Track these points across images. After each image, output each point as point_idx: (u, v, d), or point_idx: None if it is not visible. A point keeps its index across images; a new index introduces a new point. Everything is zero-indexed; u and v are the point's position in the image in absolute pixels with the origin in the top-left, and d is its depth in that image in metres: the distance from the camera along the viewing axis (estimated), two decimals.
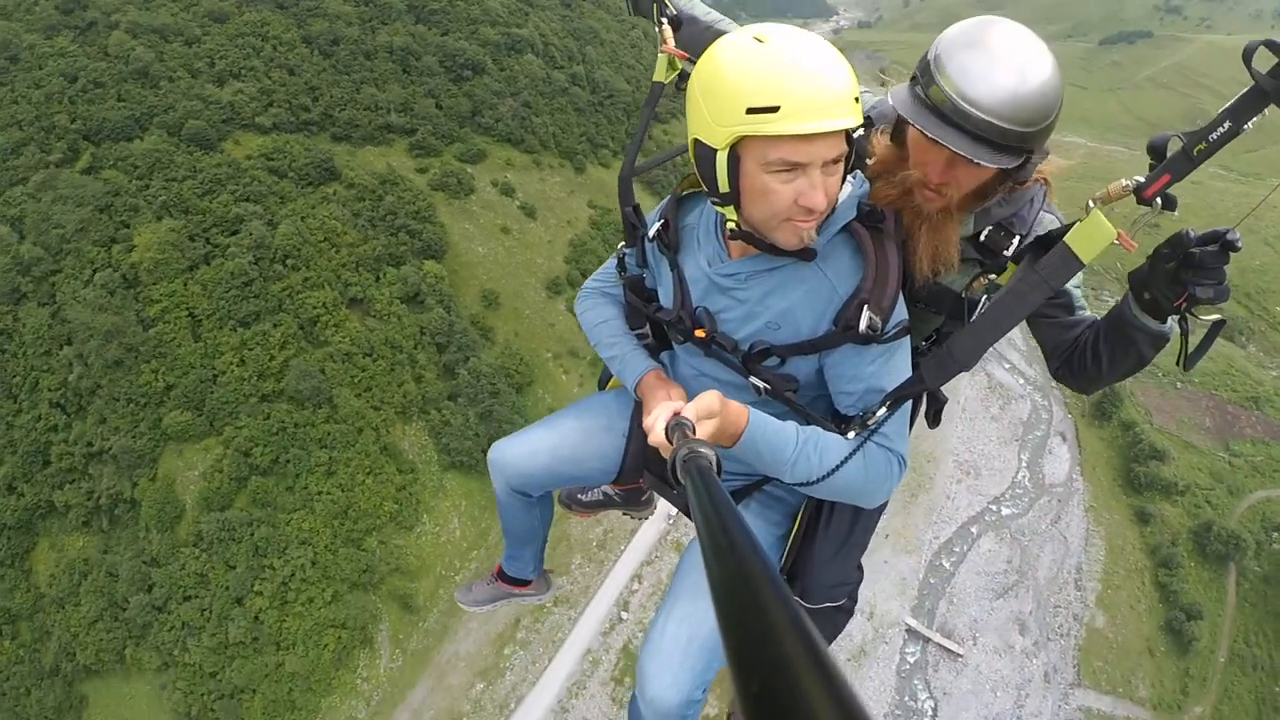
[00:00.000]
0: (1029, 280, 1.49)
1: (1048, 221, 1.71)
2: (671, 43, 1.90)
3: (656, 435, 1.27)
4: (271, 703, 32.86)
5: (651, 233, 1.80)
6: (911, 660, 33.88)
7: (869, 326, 1.50)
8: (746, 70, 1.31)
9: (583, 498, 2.48)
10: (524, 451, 2.10)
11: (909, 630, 34.41)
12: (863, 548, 2.03)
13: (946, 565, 36.46)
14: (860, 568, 2.13)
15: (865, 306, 1.50)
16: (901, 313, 1.58)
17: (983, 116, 1.43)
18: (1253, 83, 1.22)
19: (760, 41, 1.33)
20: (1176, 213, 1.40)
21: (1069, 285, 1.70)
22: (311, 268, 34.69)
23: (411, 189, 39.63)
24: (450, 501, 34.08)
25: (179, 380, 33.57)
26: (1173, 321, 1.53)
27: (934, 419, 1.89)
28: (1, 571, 34.50)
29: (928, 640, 34.06)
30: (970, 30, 1.48)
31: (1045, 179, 1.67)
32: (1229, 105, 1.26)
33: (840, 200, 1.50)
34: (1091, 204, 1.41)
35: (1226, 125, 1.26)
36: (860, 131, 1.63)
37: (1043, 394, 45.57)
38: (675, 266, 1.74)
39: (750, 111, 1.31)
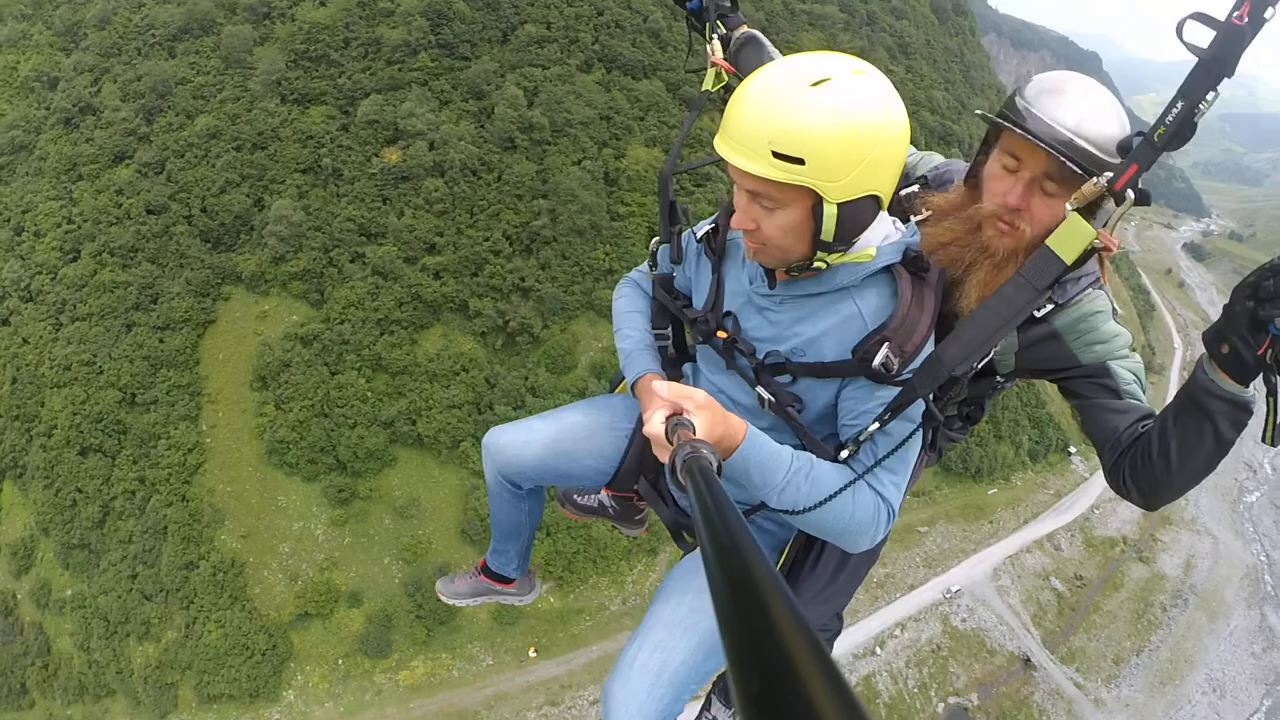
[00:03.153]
0: (1014, 283, 1.60)
1: (1094, 297, 1.82)
2: (720, 55, 2.18)
3: (654, 429, 1.36)
4: (556, 553, 41.12)
5: (700, 234, 1.95)
6: None
7: (883, 364, 1.60)
8: (739, 88, 1.52)
9: (578, 499, 2.62)
10: (519, 440, 2.22)
11: None
12: (846, 596, 2.21)
13: None
14: (840, 619, 2.30)
15: (886, 344, 1.61)
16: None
17: (1059, 129, 1.64)
18: (1196, 59, 1.36)
19: (771, 68, 1.51)
20: (1151, 205, 1.57)
21: (1116, 365, 1.79)
22: None
23: None
24: None
25: (624, 269, 45.12)
26: (1253, 390, 1.51)
27: (934, 448, 1.93)
28: (395, 330, 44.08)
29: None
30: (1047, 79, 1.76)
31: (1102, 261, 1.73)
32: (1181, 86, 1.42)
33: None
34: (1069, 207, 1.55)
35: (1180, 106, 1.41)
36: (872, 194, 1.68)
37: None
38: (717, 271, 1.90)
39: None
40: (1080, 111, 1.67)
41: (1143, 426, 1.73)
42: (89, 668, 40.80)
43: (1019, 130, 1.68)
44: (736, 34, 2.24)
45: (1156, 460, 1.64)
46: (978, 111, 1.90)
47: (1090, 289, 1.82)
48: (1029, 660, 46.88)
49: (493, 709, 39.14)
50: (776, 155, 1.42)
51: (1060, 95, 1.69)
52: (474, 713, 39.10)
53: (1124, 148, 1.56)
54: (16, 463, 44.04)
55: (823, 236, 1.54)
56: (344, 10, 53.56)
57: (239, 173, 48.14)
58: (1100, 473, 1.88)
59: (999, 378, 2.02)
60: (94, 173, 48.92)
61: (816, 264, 1.64)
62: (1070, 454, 61.90)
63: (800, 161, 1.41)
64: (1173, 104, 1.42)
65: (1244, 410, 1.55)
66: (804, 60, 1.47)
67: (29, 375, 44.81)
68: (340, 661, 40.16)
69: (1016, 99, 1.75)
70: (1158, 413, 1.72)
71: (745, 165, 1.45)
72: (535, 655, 40.86)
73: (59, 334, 45.25)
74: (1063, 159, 1.64)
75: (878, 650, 44.86)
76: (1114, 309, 1.87)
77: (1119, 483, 1.75)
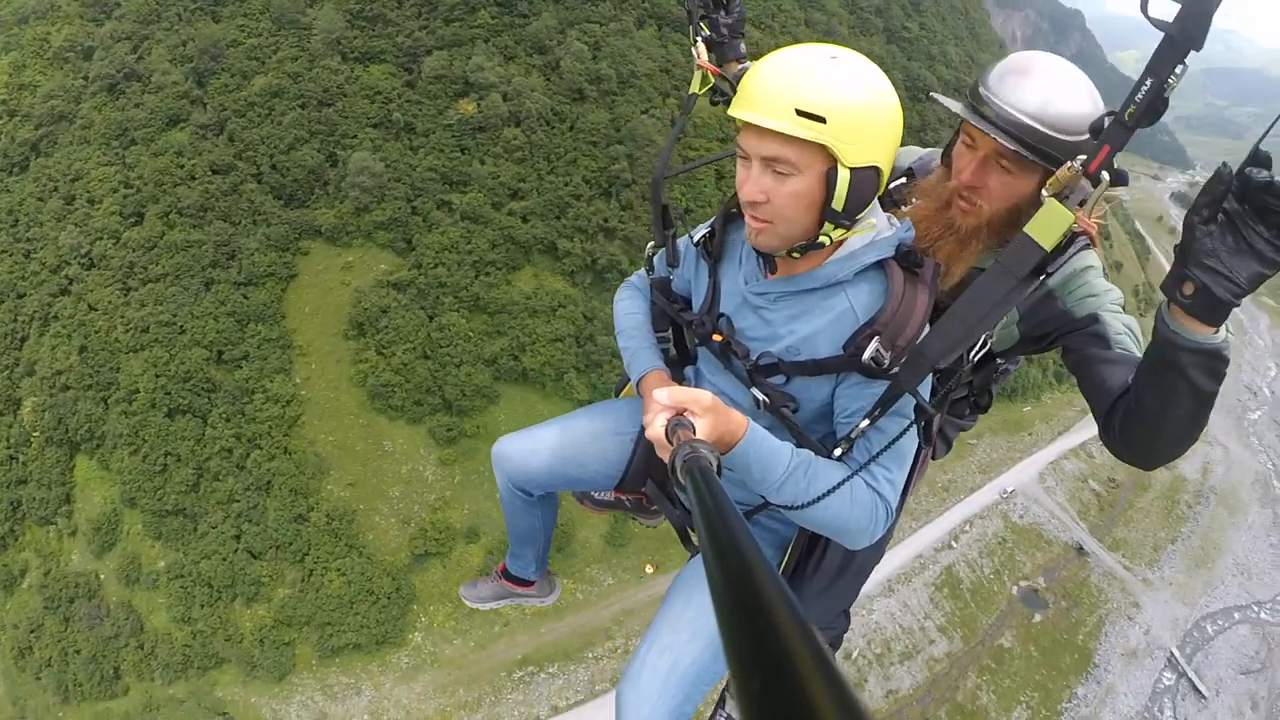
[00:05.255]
0: (992, 271, 1.62)
1: (1083, 255, 1.88)
2: (704, 58, 2.23)
3: (654, 432, 1.44)
4: None
5: (697, 238, 2.06)
6: (1167, 683, 47.74)
7: (873, 358, 1.66)
8: (755, 64, 1.66)
9: (596, 495, 2.78)
10: (527, 448, 2.37)
11: (1170, 656, 48.61)
12: (852, 594, 2.31)
13: (1209, 630, 51.42)
14: (847, 615, 2.42)
15: (876, 338, 1.67)
16: None
17: (1012, 113, 1.76)
18: (1163, 34, 1.36)
19: (789, 48, 1.63)
20: (1127, 186, 1.58)
21: (1107, 314, 1.87)
22: None
23: None
24: None
25: (698, 209, 48.39)
26: (1226, 332, 1.47)
27: (927, 437, 1.94)
28: (490, 270, 46.18)
29: (1182, 675, 47.95)
30: (1015, 59, 1.85)
31: (1090, 234, 1.71)
32: (1148, 63, 1.42)
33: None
34: (1045, 193, 1.57)
35: (1149, 83, 1.40)
36: (894, 175, 2.00)
37: None
38: (713, 274, 1.99)
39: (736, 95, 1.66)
40: (1046, 91, 1.78)
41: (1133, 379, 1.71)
42: (193, 639, 40.63)
43: (967, 118, 1.85)
44: (738, 68, 2.29)
45: (1139, 420, 1.65)
46: (933, 94, 2.06)
47: (1081, 250, 1.86)
48: (1081, 548, 54.08)
49: (621, 624, 41.15)
50: (800, 114, 1.53)
51: (1025, 75, 1.81)
52: (604, 629, 41.03)
53: (1095, 129, 1.56)
54: (93, 434, 43.63)
55: (834, 204, 1.62)
56: None
57: (307, 129, 49.40)
58: None
59: (999, 359, 2.13)
60: (148, 136, 49.33)
61: (821, 239, 1.69)
62: None
63: (822, 120, 1.53)
64: (1141, 81, 1.42)
65: (1218, 359, 1.49)
66: (815, 45, 1.63)
67: (100, 342, 44.67)
68: None
69: (979, 85, 1.87)
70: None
71: (770, 123, 1.55)
72: (653, 571, 43.11)
73: (129, 297, 45.38)
74: (1011, 143, 1.77)
75: (953, 544, 50.75)
76: (1104, 268, 1.97)
77: (1112, 441, 1.75)
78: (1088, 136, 1.68)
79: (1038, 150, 1.77)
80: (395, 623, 40.29)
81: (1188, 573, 55.12)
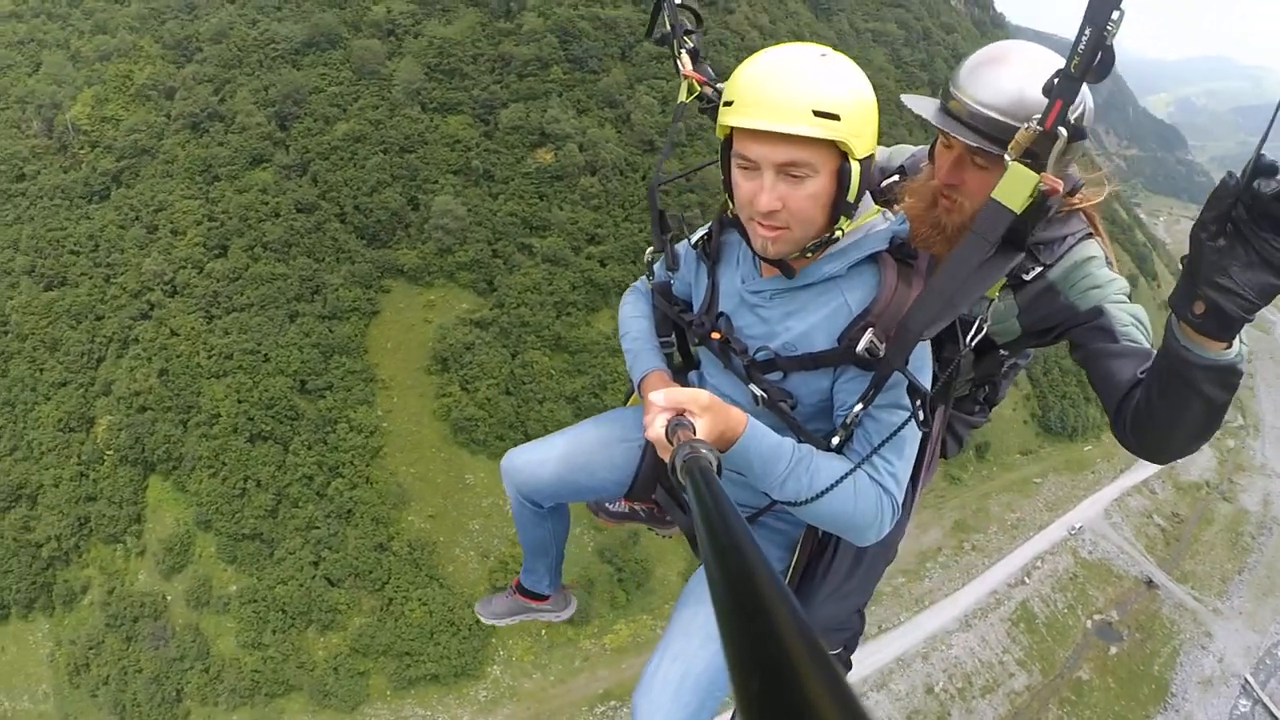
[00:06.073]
0: (968, 239, 1.60)
1: (1085, 246, 1.91)
2: (690, 68, 2.31)
3: (654, 432, 1.45)
4: None
5: (695, 240, 2.11)
6: (1243, 709, 49.47)
7: (867, 348, 1.68)
8: (742, 70, 1.64)
9: (610, 506, 2.72)
10: (535, 458, 2.37)
11: (1245, 684, 50.44)
12: (865, 594, 2.29)
13: None
14: (862, 616, 2.40)
15: (870, 329, 1.68)
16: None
17: (981, 110, 1.74)
18: None
19: (771, 50, 1.64)
20: (1087, 140, 1.64)
21: (1111, 306, 1.86)
22: None
23: None
24: None
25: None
26: (1240, 344, 1.47)
27: (924, 422, 1.90)
28: (571, 311, 48.62)
29: (1258, 701, 49.72)
30: (988, 49, 1.85)
31: (1092, 219, 1.74)
32: (1085, 12, 1.38)
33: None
34: (1008, 157, 1.57)
35: (1088, 32, 1.38)
36: (886, 171, 2.12)
37: None
38: (711, 275, 2.02)
39: (725, 104, 1.64)
40: (1021, 80, 1.76)
41: (1143, 373, 1.72)
42: (263, 664, 40.75)
43: (931, 120, 1.87)
44: (691, 48, 2.39)
45: (1151, 424, 1.65)
46: (903, 96, 2.04)
47: (1087, 241, 1.89)
48: (1151, 581, 56.18)
49: None
50: (817, 114, 1.54)
51: (1001, 65, 1.82)
52: None
53: (1046, 89, 1.53)
54: (170, 455, 44.29)
55: (849, 197, 1.66)
56: (469, 28, 59.64)
57: (389, 174, 51.95)
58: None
59: (1003, 351, 2.14)
60: (232, 173, 51.45)
61: (836, 232, 1.71)
62: None
63: (837, 118, 1.55)
64: (1081, 31, 1.40)
65: (1233, 373, 1.49)
66: (795, 45, 1.66)
67: (182, 366, 45.73)
68: (543, 632, 42.19)
69: (948, 82, 1.89)
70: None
71: (792, 128, 1.54)
72: None
73: (212, 325, 46.73)
74: (976, 141, 1.78)
75: (1026, 580, 52.78)
76: (1108, 258, 1.96)
77: (1124, 436, 1.76)
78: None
79: (1007, 143, 1.71)
80: (475, 654, 40.90)
81: (1256, 601, 57.32)
